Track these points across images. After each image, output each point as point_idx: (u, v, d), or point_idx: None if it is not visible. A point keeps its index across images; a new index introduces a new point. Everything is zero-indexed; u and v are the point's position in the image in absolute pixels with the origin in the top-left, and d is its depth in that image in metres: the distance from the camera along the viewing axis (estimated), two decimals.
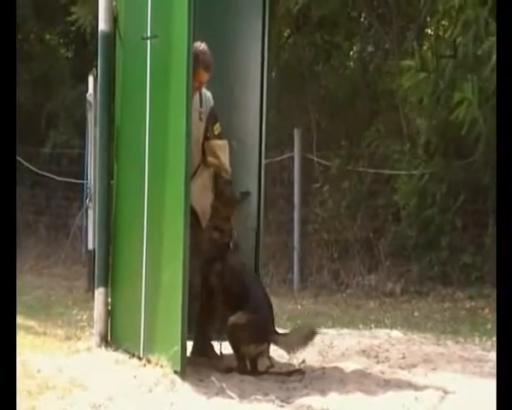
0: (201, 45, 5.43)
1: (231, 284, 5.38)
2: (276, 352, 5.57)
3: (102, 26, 5.70)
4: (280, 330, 5.50)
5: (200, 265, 5.37)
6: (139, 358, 5.25)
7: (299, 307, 8.86)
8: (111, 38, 5.71)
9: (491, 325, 7.63)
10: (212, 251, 5.46)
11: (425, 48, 10.67)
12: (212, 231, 5.48)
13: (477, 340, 6.96)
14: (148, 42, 5.33)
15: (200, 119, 5.51)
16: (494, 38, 8.36)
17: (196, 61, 5.20)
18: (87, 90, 9.34)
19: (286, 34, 12.07)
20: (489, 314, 8.31)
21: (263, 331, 5.31)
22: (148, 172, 5.33)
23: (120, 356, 5.35)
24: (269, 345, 5.36)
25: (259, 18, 5.95)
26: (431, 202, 9.57)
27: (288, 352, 5.39)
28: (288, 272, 10.37)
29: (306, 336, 5.36)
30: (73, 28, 11.87)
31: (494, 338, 7.01)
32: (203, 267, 5.41)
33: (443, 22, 9.97)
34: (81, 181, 10.82)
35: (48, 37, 14.12)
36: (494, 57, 8.45)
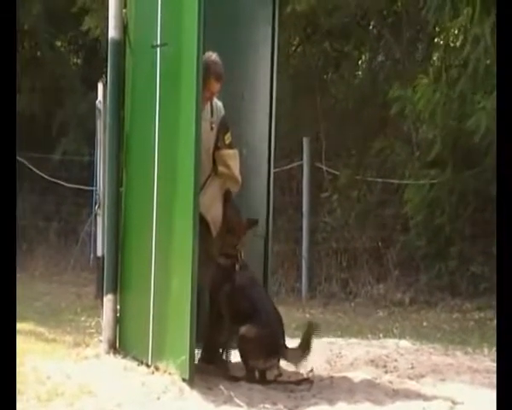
0: (212, 55, 5.43)
1: (240, 304, 5.37)
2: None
3: (112, 33, 5.72)
4: (289, 344, 5.48)
5: (209, 287, 5.40)
6: (147, 365, 5.24)
7: (308, 315, 8.85)
8: (121, 45, 5.72)
9: None
10: (218, 276, 5.45)
11: (435, 58, 10.69)
12: (219, 256, 5.47)
13: (486, 351, 6.93)
14: (158, 50, 5.35)
15: (211, 128, 5.50)
16: None
17: (207, 71, 5.21)
18: (97, 98, 9.37)
19: (295, 43, 12.08)
20: None
21: (272, 346, 5.30)
22: (157, 180, 5.34)
23: (129, 363, 5.35)
24: (278, 360, 5.35)
25: (269, 26, 5.96)
26: (440, 212, 9.56)
27: (297, 366, 5.38)
28: (297, 280, 10.36)
29: (309, 336, 5.35)
30: (84, 36, 11.90)
31: None
32: (211, 291, 5.42)
33: (452, 30, 9.96)
34: (91, 188, 10.84)
35: (58, 44, 14.16)
36: None
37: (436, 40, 11.09)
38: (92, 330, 6.99)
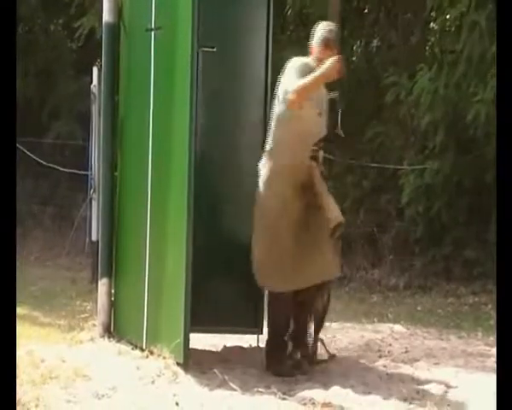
0: (329, 25, 5.34)
1: None
2: None
3: (107, 17, 5.70)
4: None
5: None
6: (142, 349, 5.25)
7: None
8: (115, 29, 5.71)
9: (494, 321, 7.64)
10: None
11: (430, 43, 10.68)
12: None
13: (480, 335, 6.96)
14: (153, 33, 5.33)
15: (319, 114, 5.26)
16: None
17: (317, 36, 5.20)
18: (91, 82, 9.34)
19: (291, 28, 12.05)
20: (492, 310, 8.30)
21: None
22: (151, 164, 5.34)
23: (123, 347, 5.36)
24: None
25: (264, 11, 5.93)
26: (435, 198, 9.57)
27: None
28: None
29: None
30: (78, 20, 11.87)
31: None
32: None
33: (448, 16, 9.95)
34: (86, 172, 10.83)
35: (52, 27, 14.11)
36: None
37: (432, 25, 11.08)
38: (87, 315, 7.00)
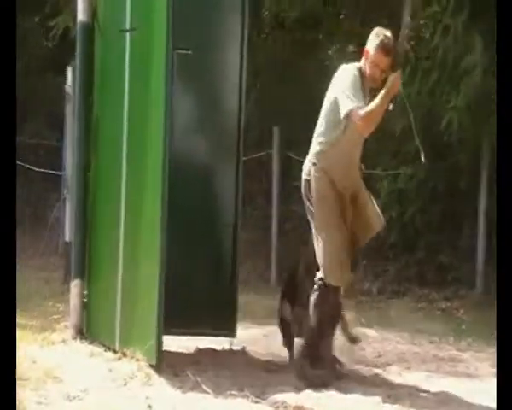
0: (383, 30, 5.19)
1: None
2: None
3: (81, 16, 5.67)
4: None
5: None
6: (114, 351, 5.23)
7: (277, 302, 8.83)
8: (90, 29, 5.68)
9: (466, 326, 7.70)
10: None
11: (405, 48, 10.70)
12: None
13: (451, 340, 7.01)
14: (128, 34, 5.31)
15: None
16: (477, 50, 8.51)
17: (374, 42, 5.09)
18: (66, 81, 9.29)
19: (266, 31, 12.06)
20: (464, 315, 8.37)
21: None
22: (125, 165, 5.32)
23: (95, 349, 5.33)
24: None
25: (239, 14, 5.94)
26: (409, 203, 9.62)
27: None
28: (266, 269, 10.37)
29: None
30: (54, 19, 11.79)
31: (469, 339, 7.07)
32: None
33: (422, 22, 10.01)
34: (60, 173, 10.76)
35: (27, 25, 14.00)
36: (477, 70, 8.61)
37: (406, 31, 11.11)
38: (59, 316, 6.95)
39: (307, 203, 5.23)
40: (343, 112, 5.00)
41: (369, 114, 4.96)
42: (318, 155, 5.16)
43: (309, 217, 5.25)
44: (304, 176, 5.25)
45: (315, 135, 5.24)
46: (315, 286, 5.18)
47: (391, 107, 5.10)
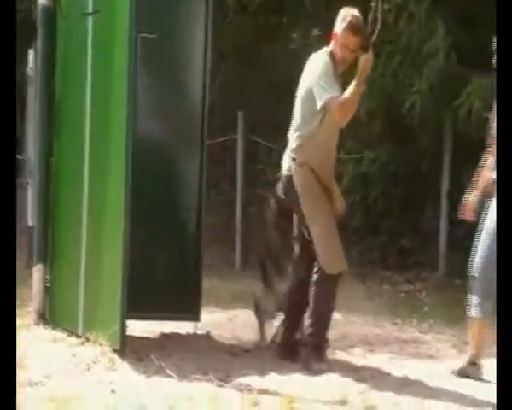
0: (351, 9, 5.10)
1: None
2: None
3: None
4: None
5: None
6: (78, 336, 5.21)
7: (241, 286, 8.88)
8: (51, 11, 5.61)
9: (428, 308, 7.79)
10: None
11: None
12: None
13: (414, 322, 7.08)
14: (90, 17, 5.26)
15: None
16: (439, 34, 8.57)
17: (343, 23, 5.00)
18: (27, 65, 9.18)
19: (231, 15, 12.02)
20: (426, 297, 8.46)
21: None
22: (88, 150, 5.28)
23: (58, 334, 5.31)
24: None
25: None
26: (372, 186, 9.68)
27: None
28: (231, 253, 10.39)
29: None
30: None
31: (430, 320, 7.15)
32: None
33: (385, 7, 10.03)
34: (21, 157, 10.64)
35: None
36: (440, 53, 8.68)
37: (369, 16, 11.15)
38: (22, 301, 6.89)
39: (290, 198, 5.19)
40: (319, 103, 4.96)
41: (346, 102, 4.92)
42: (297, 149, 5.13)
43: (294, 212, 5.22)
44: (284, 172, 5.21)
45: (291, 130, 5.21)
46: (315, 278, 5.16)
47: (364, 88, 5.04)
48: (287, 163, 5.21)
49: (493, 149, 4.84)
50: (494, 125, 4.70)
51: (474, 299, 4.99)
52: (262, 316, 5.72)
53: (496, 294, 4.83)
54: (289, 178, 5.17)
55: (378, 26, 4.85)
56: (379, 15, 4.91)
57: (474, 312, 4.99)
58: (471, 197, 5.12)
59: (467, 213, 5.16)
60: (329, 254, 5.18)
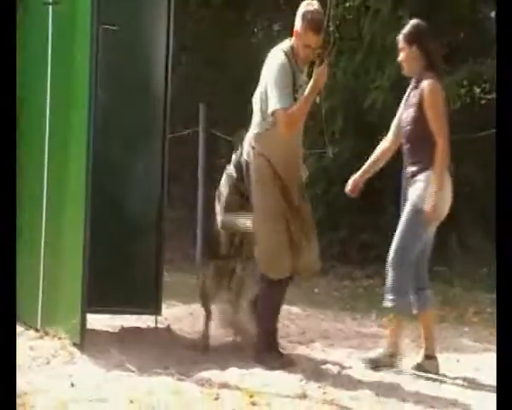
0: (312, 3, 4.88)
1: None
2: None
3: None
4: None
5: None
6: (36, 330, 5.16)
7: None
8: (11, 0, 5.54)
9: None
10: None
11: (330, 30, 10.78)
12: None
13: (373, 317, 7.12)
14: (51, 8, 5.21)
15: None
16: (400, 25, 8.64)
17: (303, 20, 4.81)
18: None
19: (193, 9, 11.99)
20: None
21: None
22: (49, 142, 5.24)
23: (17, 328, 5.25)
24: None
25: None
26: (333, 181, 9.72)
27: None
28: (192, 247, 10.36)
29: None
30: None
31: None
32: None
33: (347, 4, 10.08)
34: None
35: None
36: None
37: (332, 13, 11.20)
38: None
39: (246, 183, 5.12)
40: (270, 110, 4.95)
41: (292, 116, 4.90)
42: (256, 138, 5.08)
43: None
44: (244, 157, 5.15)
45: (253, 116, 5.16)
46: (259, 279, 5.07)
47: (318, 100, 5.00)
48: (246, 150, 5.15)
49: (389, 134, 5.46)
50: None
51: (387, 288, 5.05)
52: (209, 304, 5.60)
53: (427, 286, 5.04)
54: (247, 164, 5.12)
55: (331, 28, 4.79)
56: (331, 12, 4.82)
57: (388, 302, 5.05)
58: (358, 174, 5.48)
59: (352, 189, 5.42)
60: (268, 255, 4.97)
